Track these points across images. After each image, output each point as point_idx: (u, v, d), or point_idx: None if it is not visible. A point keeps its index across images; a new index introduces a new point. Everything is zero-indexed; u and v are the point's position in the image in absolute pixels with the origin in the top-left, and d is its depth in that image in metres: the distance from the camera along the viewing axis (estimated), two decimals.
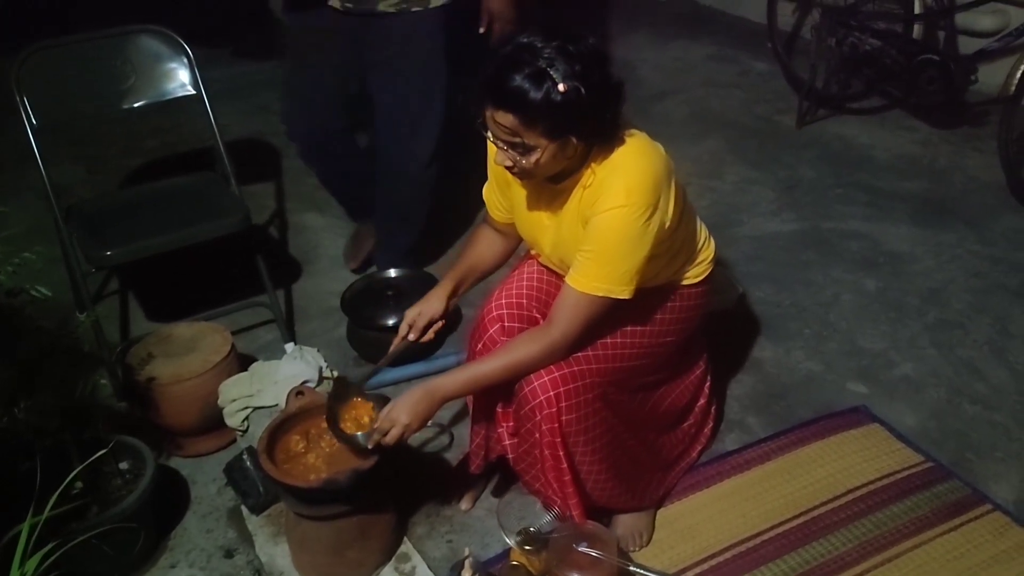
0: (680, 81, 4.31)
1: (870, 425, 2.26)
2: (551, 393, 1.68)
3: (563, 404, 1.68)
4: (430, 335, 1.89)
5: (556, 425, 1.69)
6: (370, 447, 1.68)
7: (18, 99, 2.31)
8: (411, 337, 1.87)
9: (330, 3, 2.38)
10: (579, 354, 1.72)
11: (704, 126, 3.87)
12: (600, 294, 1.62)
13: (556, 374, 1.69)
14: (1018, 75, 3.05)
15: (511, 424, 1.86)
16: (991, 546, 1.92)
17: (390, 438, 1.64)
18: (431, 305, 1.86)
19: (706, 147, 3.67)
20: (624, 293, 1.63)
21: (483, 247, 1.95)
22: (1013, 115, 3.09)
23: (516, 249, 1.97)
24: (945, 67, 3.39)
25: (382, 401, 1.76)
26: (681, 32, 4.88)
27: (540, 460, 1.75)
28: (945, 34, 3.62)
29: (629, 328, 1.79)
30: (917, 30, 3.57)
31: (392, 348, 1.88)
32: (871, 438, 2.21)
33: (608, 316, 1.69)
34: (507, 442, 1.88)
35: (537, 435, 1.72)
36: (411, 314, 1.87)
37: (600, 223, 1.58)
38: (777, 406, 2.34)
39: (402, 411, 1.64)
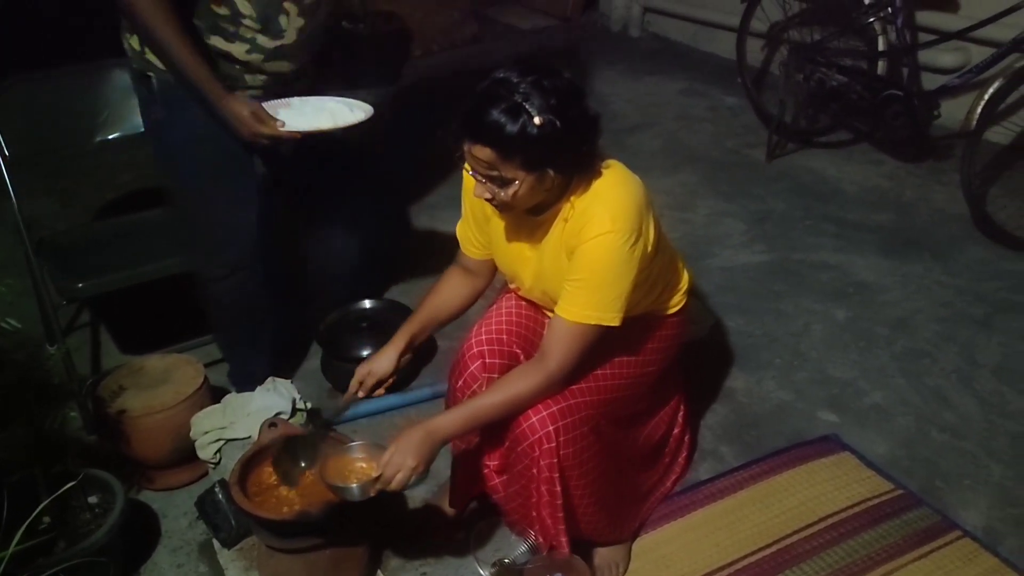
0: (652, 115, 4.38)
1: (841, 453, 2.28)
2: (550, 428, 1.67)
3: (562, 438, 1.67)
4: (380, 391, 1.83)
5: (555, 460, 1.68)
6: (372, 494, 1.62)
7: None
8: (360, 395, 1.81)
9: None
10: (571, 387, 1.72)
11: (676, 159, 3.92)
12: (592, 322, 1.63)
13: (554, 408, 1.68)
14: (979, 110, 3.12)
15: (497, 463, 1.85)
16: (961, 572, 1.94)
17: (396, 483, 1.58)
18: (381, 365, 1.80)
19: (678, 180, 3.73)
20: (614, 320, 1.63)
21: (445, 294, 1.92)
22: (975, 149, 3.17)
23: (483, 292, 1.95)
24: (909, 102, 3.47)
25: (373, 449, 1.71)
26: (654, 68, 4.96)
27: (536, 496, 1.73)
28: (908, 70, 3.70)
29: (617, 358, 1.80)
30: (881, 66, 3.65)
31: (342, 403, 1.84)
32: (842, 466, 2.23)
33: (598, 346, 1.70)
34: (496, 480, 1.86)
35: (535, 471, 1.70)
36: (361, 372, 1.80)
37: (587, 251, 1.59)
38: (749, 435, 2.36)
39: (407, 455, 1.58)
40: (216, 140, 2.08)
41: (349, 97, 2.15)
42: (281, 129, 1.99)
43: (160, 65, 2.05)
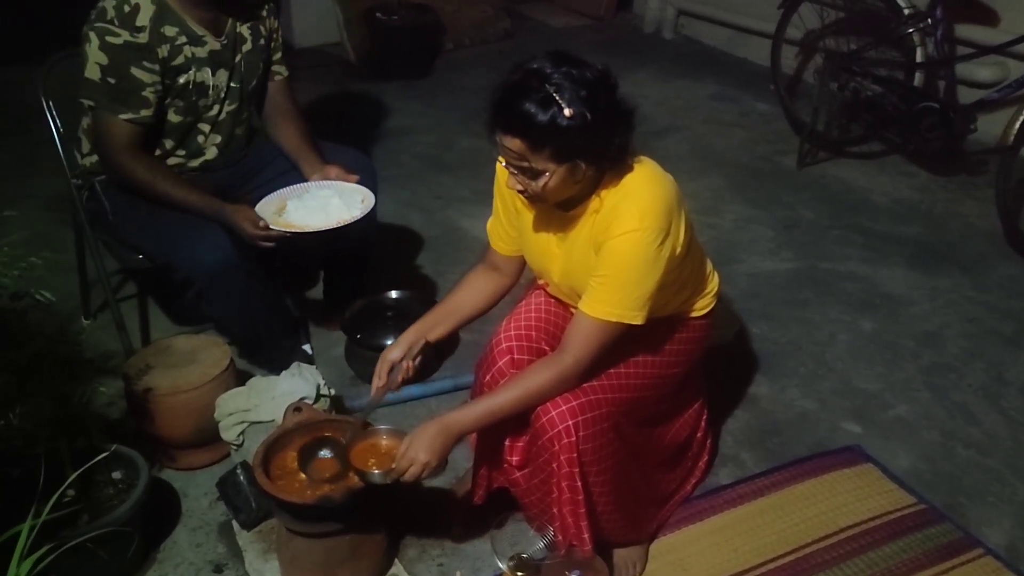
0: (682, 118, 4.36)
1: (863, 465, 2.26)
2: (569, 422, 1.66)
3: (581, 433, 1.67)
4: (398, 379, 1.81)
5: (575, 455, 1.68)
6: (389, 482, 1.65)
7: (45, 105, 2.36)
8: (380, 384, 1.81)
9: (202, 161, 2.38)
10: (593, 383, 1.72)
11: (705, 163, 3.90)
12: (613, 319, 1.62)
13: (574, 403, 1.68)
14: (1016, 126, 3.09)
15: (518, 458, 1.84)
16: None
17: (409, 476, 1.62)
18: (391, 351, 1.83)
19: (706, 184, 3.71)
20: (637, 319, 1.63)
21: (466, 291, 1.92)
22: (1011, 165, 3.13)
23: (507, 292, 1.95)
24: (945, 115, 3.43)
25: (396, 434, 1.75)
26: (685, 71, 4.94)
27: (557, 491, 1.72)
28: (945, 83, 3.67)
29: (640, 358, 1.80)
30: (918, 78, 3.62)
31: (372, 396, 1.83)
32: (864, 478, 2.22)
33: (620, 345, 1.70)
34: (516, 475, 1.85)
35: (554, 465, 1.70)
36: (377, 365, 1.83)
37: (614, 247, 1.59)
38: (771, 442, 2.35)
39: (420, 449, 1.61)
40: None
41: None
42: (272, 231, 2.12)
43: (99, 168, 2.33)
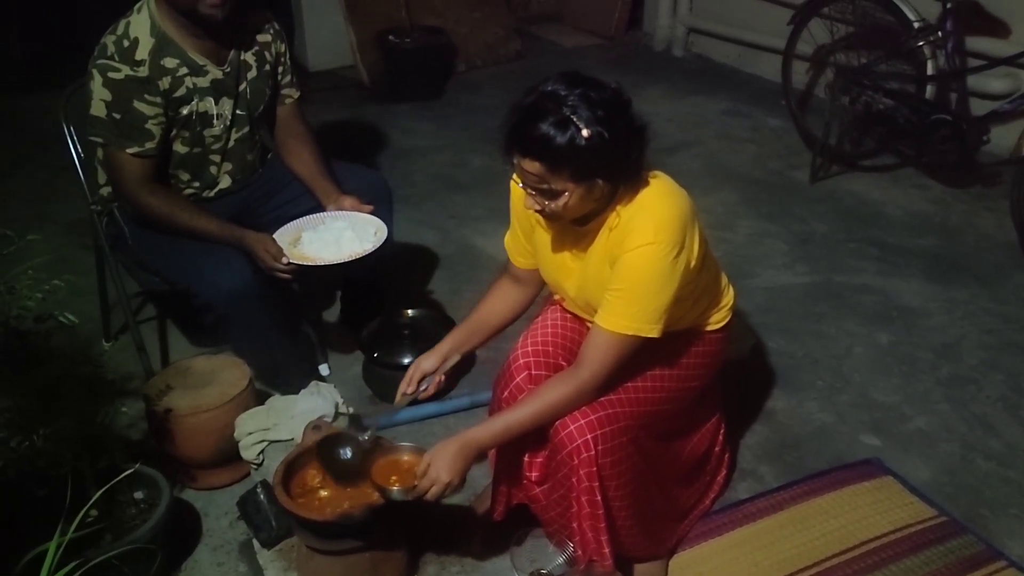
0: (694, 134, 4.37)
1: (883, 478, 2.25)
2: (588, 436, 1.67)
3: (600, 447, 1.68)
4: (430, 390, 1.87)
5: (594, 469, 1.69)
6: (411, 499, 1.67)
7: (66, 131, 2.41)
8: (408, 391, 1.86)
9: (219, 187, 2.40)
10: (611, 396, 1.73)
11: (717, 179, 3.91)
12: (630, 333, 1.63)
13: (592, 417, 1.69)
14: None
15: (537, 473, 1.85)
16: None
17: (431, 496, 1.64)
18: (426, 360, 1.87)
19: (719, 199, 3.72)
20: (653, 332, 1.64)
21: (495, 302, 1.95)
22: None
23: (533, 301, 1.98)
24: (957, 127, 3.43)
25: (417, 451, 1.76)
26: (696, 88, 4.96)
27: (576, 506, 1.73)
28: (957, 95, 3.67)
29: (657, 371, 1.80)
30: (930, 91, 3.62)
31: (396, 401, 1.88)
32: (884, 491, 2.21)
33: (636, 359, 1.70)
34: (536, 490, 1.86)
35: (573, 480, 1.71)
36: (410, 370, 1.87)
37: (629, 261, 1.60)
38: (790, 456, 2.34)
39: (442, 469, 1.63)
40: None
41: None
42: (285, 263, 2.14)
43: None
